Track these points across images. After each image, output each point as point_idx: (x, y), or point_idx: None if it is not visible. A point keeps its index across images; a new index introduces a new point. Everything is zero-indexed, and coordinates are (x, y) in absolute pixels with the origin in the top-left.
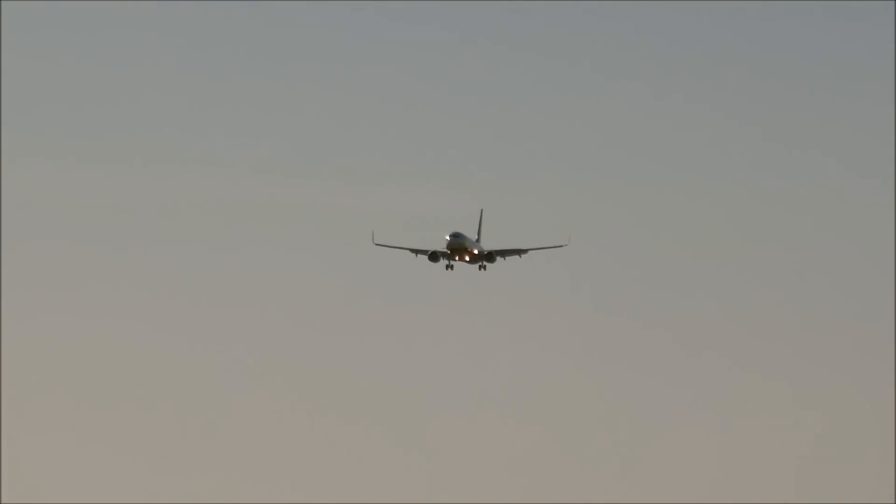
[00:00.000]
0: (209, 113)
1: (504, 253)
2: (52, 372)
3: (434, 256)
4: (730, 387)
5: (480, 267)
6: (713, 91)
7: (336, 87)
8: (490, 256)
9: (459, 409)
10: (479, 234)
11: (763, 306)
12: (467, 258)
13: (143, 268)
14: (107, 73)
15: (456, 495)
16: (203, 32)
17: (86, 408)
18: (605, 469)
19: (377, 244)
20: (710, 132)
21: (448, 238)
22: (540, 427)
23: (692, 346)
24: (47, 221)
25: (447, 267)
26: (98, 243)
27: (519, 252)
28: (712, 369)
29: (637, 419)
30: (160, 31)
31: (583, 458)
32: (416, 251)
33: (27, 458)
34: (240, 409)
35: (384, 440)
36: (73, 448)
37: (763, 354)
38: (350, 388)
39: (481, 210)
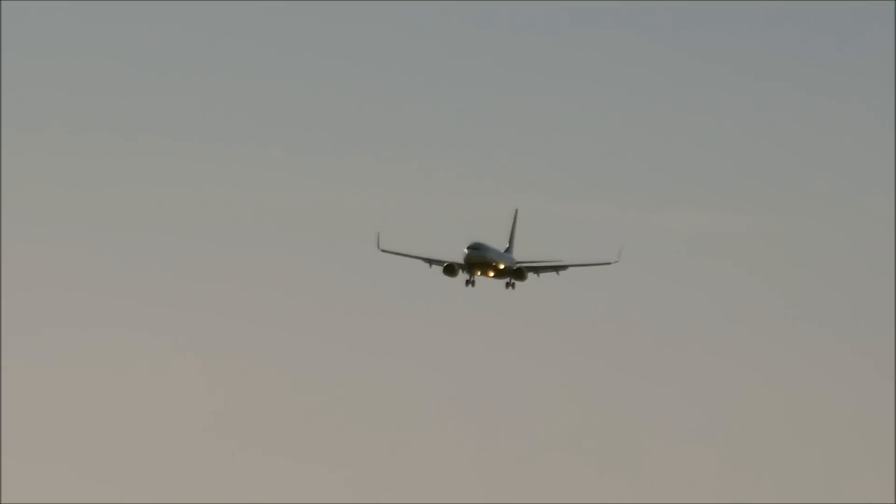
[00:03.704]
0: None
1: (538, 268)
2: (51, 374)
3: (450, 269)
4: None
5: (508, 284)
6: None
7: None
8: (520, 272)
9: (474, 451)
10: (510, 242)
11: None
12: (491, 273)
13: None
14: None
15: None
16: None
17: (85, 408)
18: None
19: (383, 250)
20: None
21: (466, 250)
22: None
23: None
24: (47, 221)
25: (467, 283)
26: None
27: (557, 268)
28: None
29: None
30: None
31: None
32: (431, 261)
33: (27, 459)
34: (234, 415)
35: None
36: (73, 448)
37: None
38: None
39: (515, 211)
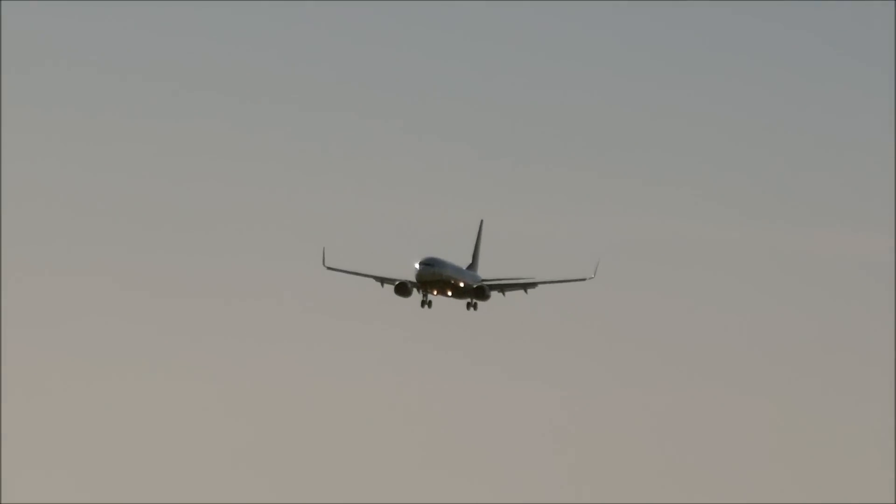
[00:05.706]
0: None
1: (504, 286)
2: (50, 373)
3: (402, 288)
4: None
5: (469, 305)
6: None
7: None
8: (481, 291)
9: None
10: (474, 257)
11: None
12: (449, 292)
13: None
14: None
15: None
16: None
17: (84, 408)
18: None
19: (329, 268)
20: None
21: (418, 266)
22: None
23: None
24: (46, 220)
25: (423, 304)
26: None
27: (525, 286)
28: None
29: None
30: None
31: None
32: (382, 280)
33: (27, 459)
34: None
35: None
36: (73, 449)
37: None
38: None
39: (481, 223)
